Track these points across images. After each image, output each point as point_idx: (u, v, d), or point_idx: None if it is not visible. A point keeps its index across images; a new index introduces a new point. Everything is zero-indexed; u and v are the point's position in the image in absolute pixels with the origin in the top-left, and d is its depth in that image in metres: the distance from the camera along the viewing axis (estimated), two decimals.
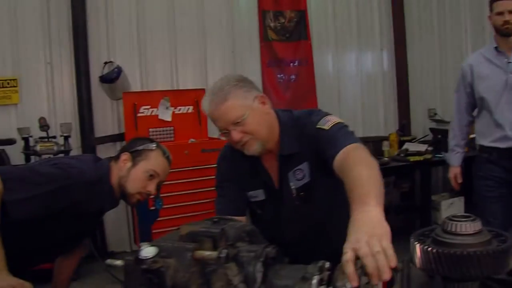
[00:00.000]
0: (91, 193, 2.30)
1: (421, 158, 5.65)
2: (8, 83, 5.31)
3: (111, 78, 5.43)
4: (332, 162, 1.93)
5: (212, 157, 5.10)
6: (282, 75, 6.35)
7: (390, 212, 5.84)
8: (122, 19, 5.70)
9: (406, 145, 6.06)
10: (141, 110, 5.47)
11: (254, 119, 2.07)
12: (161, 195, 4.84)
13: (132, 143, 2.55)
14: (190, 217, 4.94)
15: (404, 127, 6.55)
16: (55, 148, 5.02)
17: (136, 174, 2.40)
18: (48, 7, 5.43)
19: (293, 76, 6.38)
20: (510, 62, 3.57)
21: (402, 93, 6.92)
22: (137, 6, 5.74)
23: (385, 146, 6.02)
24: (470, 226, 1.42)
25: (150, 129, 5.49)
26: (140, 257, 1.25)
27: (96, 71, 5.54)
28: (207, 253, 1.30)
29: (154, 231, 4.98)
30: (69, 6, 5.44)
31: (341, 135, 2.01)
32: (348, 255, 1.29)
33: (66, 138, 5.16)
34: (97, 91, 5.59)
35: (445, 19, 6.92)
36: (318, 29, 6.59)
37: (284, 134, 2.18)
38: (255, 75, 6.20)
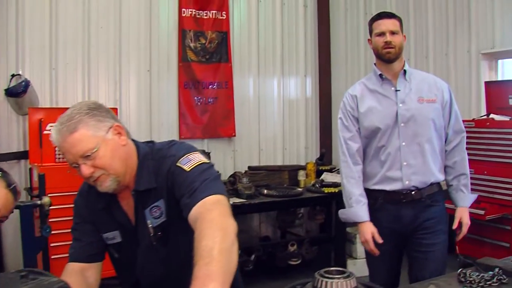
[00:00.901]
0: None
1: (336, 190, 5.47)
2: None
3: (18, 92, 5.15)
4: (188, 214, 1.79)
5: None
6: (199, 97, 6.15)
7: (304, 243, 5.74)
8: (34, 31, 5.39)
9: (324, 175, 5.98)
10: (48, 127, 5.21)
11: (106, 152, 1.90)
12: (64, 218, 4.64)
13: None
14: None
15: (324, 156, 6.41)
16: None
17: None
18: None
19: (211, 99, 6.19)
20: (398, 91, 3.19)
21: (324, 121, 6.81)
22: (50, 17, 5.45)
23: (301, 175, 5.89)
24: (342, 284, 1.30)
25: (57, 148, 5.23)
26: None
27: (2, 83, 5.23)
28: None
29: (53, 256, 4.75)
30: None
31: (200, 182, 1.85)
32: None
33: None
34: (3, 104, 5.29)
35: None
36: (241, 52, 6.45)
37: (141, 168, 2.01)
38: (171, 96, 6.07)
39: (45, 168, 4.90)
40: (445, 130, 3.28)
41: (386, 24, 3.17)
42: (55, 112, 5.21)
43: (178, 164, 1.94)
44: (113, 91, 5.77)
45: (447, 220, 3.31)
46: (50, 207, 4.04)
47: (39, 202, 4.44)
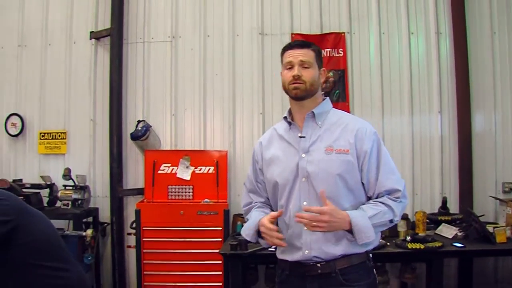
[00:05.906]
0: None
1: (422, 246, 4.51)
2: (59, 135, 6.12)
3: (138, 135, 5.78)
4: None
5: (207, 220, 5.26)
6: None
7: None
8: (157, 81, 6.10)
9: (441, 227, 5.11)
10: (161, 168, 5.75)
11: None
12: (155, 250, 5.16)
13: None
14: (178, 276, 5.39)
15: (446, 203, 5.40)
16: (73, 195, 5.61)
17: None
18: (95, 72, 6.11)
19: None
20: (302, 137, 2.64)
21: (464, 163, 5.73)
22: (171, 69, 6.08)
23: (401, 225, 5.01)
24: None
25: (169, 186, 5.72)
26: None
27: (131, 128, 5.96)
28: None
29: (145, 283, 5.40)
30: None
31: None
32: None
33: (83, 188, 5.69)
34: (132, 146, 6.02)
35: None
36: (361, 89, 5.93)
37: None
38: None
39: (141, 204, 5.46)
40: (367, 189, 2.64)
41: (296, 55, 2.68)
42: (166, 154, 5.79)
43: None
44: (228, 134, 6.02)
45: None
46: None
47: (83, 233, 5.05)
